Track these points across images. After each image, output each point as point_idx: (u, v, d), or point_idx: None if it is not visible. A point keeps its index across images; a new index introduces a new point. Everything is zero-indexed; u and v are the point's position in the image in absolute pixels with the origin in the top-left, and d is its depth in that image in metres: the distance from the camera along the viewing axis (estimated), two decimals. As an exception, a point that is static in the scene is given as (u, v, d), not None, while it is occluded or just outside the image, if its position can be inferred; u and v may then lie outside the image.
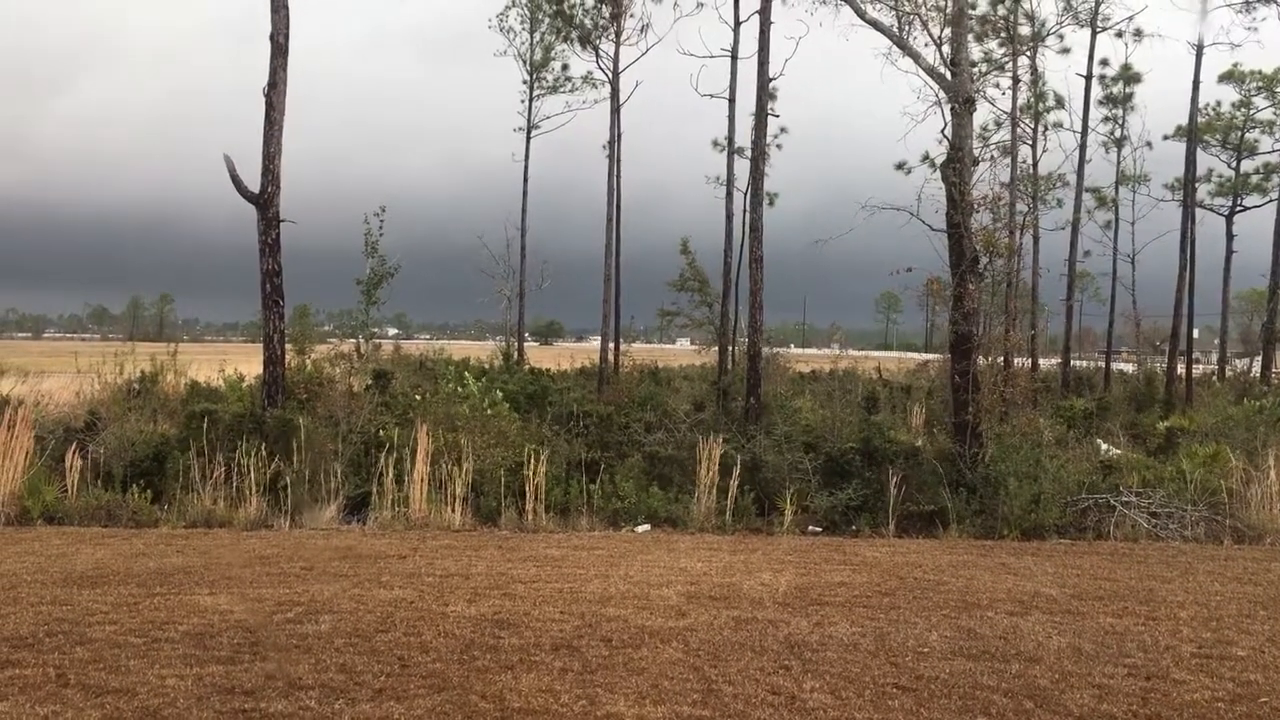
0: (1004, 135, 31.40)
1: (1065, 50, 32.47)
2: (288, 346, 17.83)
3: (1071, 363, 36.14)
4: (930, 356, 44.55)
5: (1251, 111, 37.31)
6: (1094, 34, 32.81)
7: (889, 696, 6.44)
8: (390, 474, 13.64)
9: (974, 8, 27.24)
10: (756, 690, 6.49)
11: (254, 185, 16.57)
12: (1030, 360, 31.72)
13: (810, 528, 13.62)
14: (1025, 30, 31.33)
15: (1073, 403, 25.72)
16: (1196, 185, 33.88)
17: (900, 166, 27.51)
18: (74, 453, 14.00)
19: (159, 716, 5.84)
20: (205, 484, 13.69)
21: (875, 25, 16.91)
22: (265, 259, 16.57)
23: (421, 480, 13.60)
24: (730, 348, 29.62)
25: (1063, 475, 14.32)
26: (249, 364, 23.10)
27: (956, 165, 15.59)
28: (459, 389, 16.79)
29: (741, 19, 28.28)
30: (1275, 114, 36.91)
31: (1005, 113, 30.94)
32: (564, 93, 35.61)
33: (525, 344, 38.24)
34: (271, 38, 16.58)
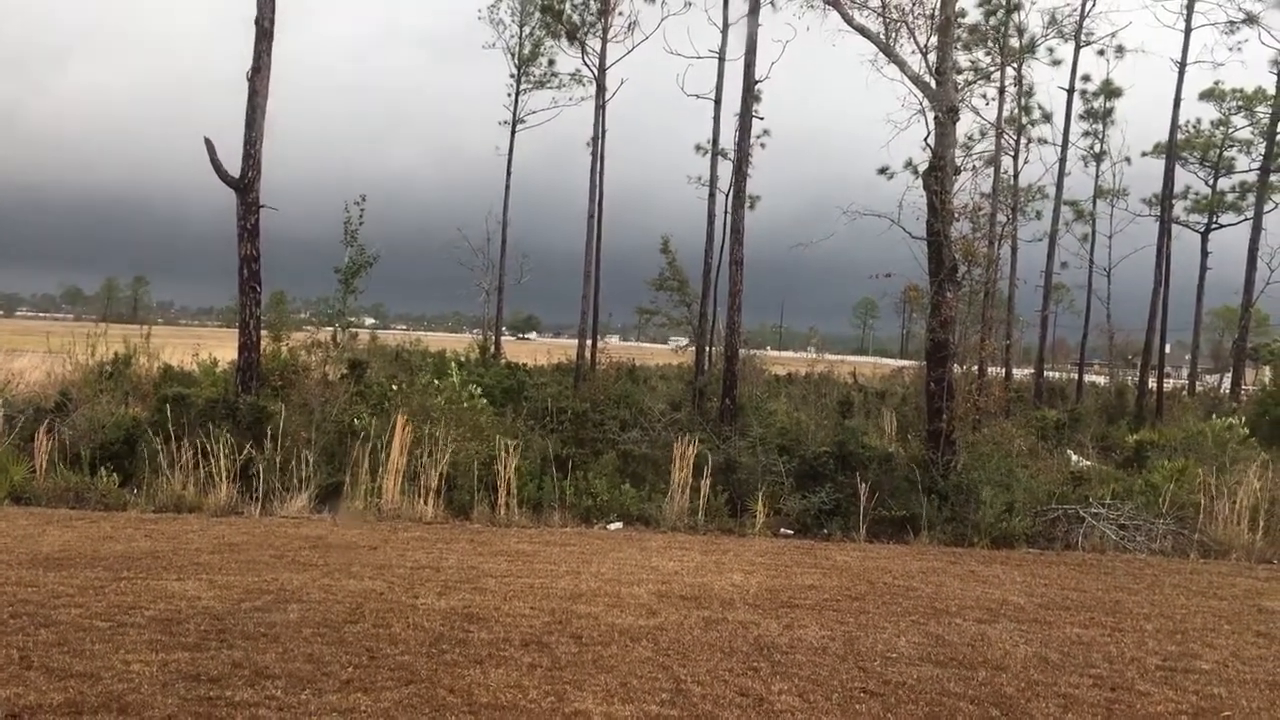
0: (987, 145, 31.62)
1: (1056, 62, 32.77)
2: (263, 333, 17.72)
3: (1045, 373, 36.42)
4: (905, 363, 44.80)
5: (1230, 130, 37.72)
6: (1077, 48, 33.07)
7: (856, 701, 6.46)
8: (365, 464, 13.58)
9: (963, 16, 27.40)
10: (725, 691, 6.50)
11: (235, 170, 16.45)
12: (1004, 370, 31.96)
13: (782, 530, 13.65)
14: (1013, 42, 31.59)
15: (1045, 413, 25.90)
16: (1174, 202, 34.20)
17: (883, 171, 27.65)
18: (43, 433, 13.85)
19: (123, 702, 5.78)
20: (175, 469, 13.57)
21: (862, 31, 16.94)
22: (243, 244, 16.47)
23: (396, 471, 13.54)
24: (708, 348, 29.68)
25: (1033, 485, 14.41)
26: (224, 349, 22.95)
27: (938, 174, 15.65)
28: (437, 381, 16.72)
29: (730, 21, 28.31)
30: (1253, 133, 37.29)
31: (989, 123, 31.13)
32: (551, 88, 35.64)
33: (502, 337, 38.15)
34: (256, 22, 16.46)
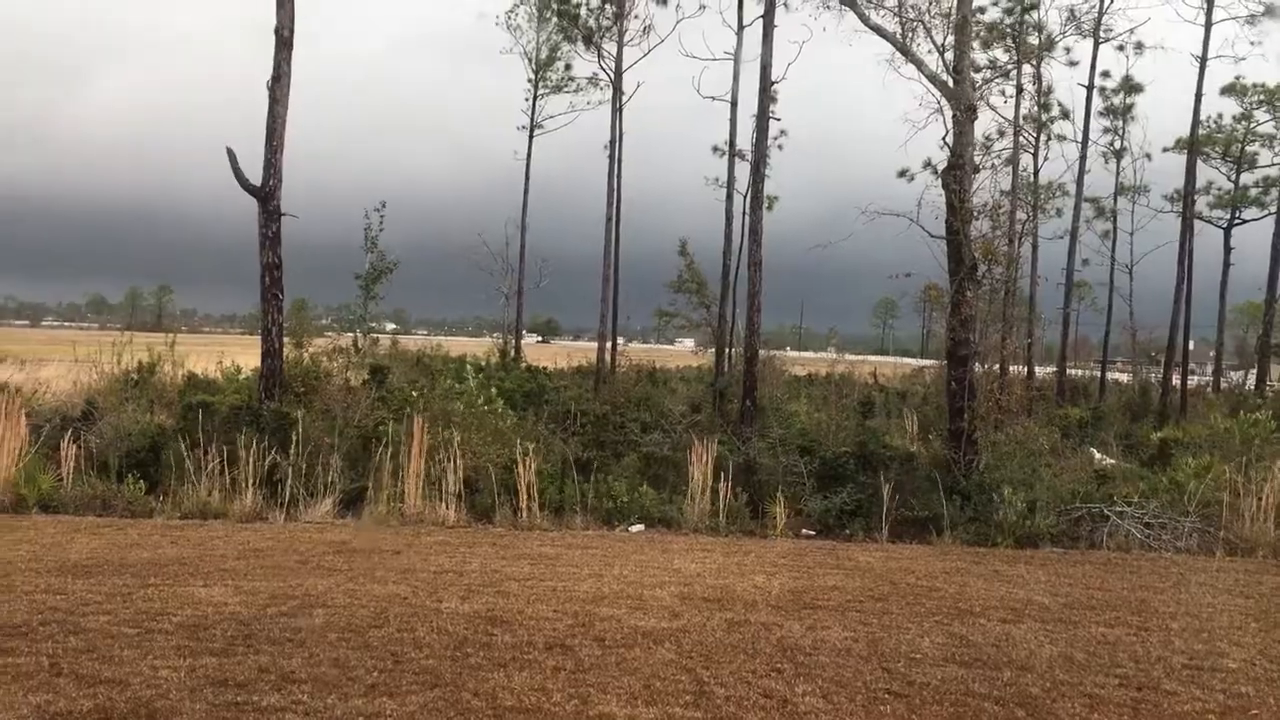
0: (1006, 144, 31.45)
1: (1073, 63, 32.62)
2: (286, 340, 17.82)
3: (1067, 372, 36.17)
4: (926, 362, 44.65)
5: (1252, 125, 37.25)
6: (1096, 45, 32.88)
7: (881, 702, 6.44)
8: (386, 469, 13.64)
9: (982, 12, 27.28)
10: (749, 693, 6.49)
11: (256, 178, 16.56)
12: (1026, 368, 31.79)
13: (804, 531, 13.62)
14: (1031, 39, 31.42)
15: (1068, 411, 25.72)
16: (1195, 197, 33.91)
17: (903, 174, 27.53)
18: (70, 441, 13.97)
19: (152, 708, 5.83)
20: (201, 475, 13.67)
21: (878, 31, 16.90)
22: (265, 252, 16.57)
23: (416, 476, 13.60)
24: (727, 350, 29.64)
25: (1057, 484, 14.32)
26: (247, 356, 23.07)
27: (957, 172, 15.59)
28: (456, 385, 16.78)
29: (745, 23, 28.30)
30: (1276, 128, 36.83)
31: (1008, 121, 30.97)
32: (568, 92, 35.70)
33: (522, 341, 38.24)
34: (276, 31, 16.57)
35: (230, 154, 16.55)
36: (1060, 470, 15.47)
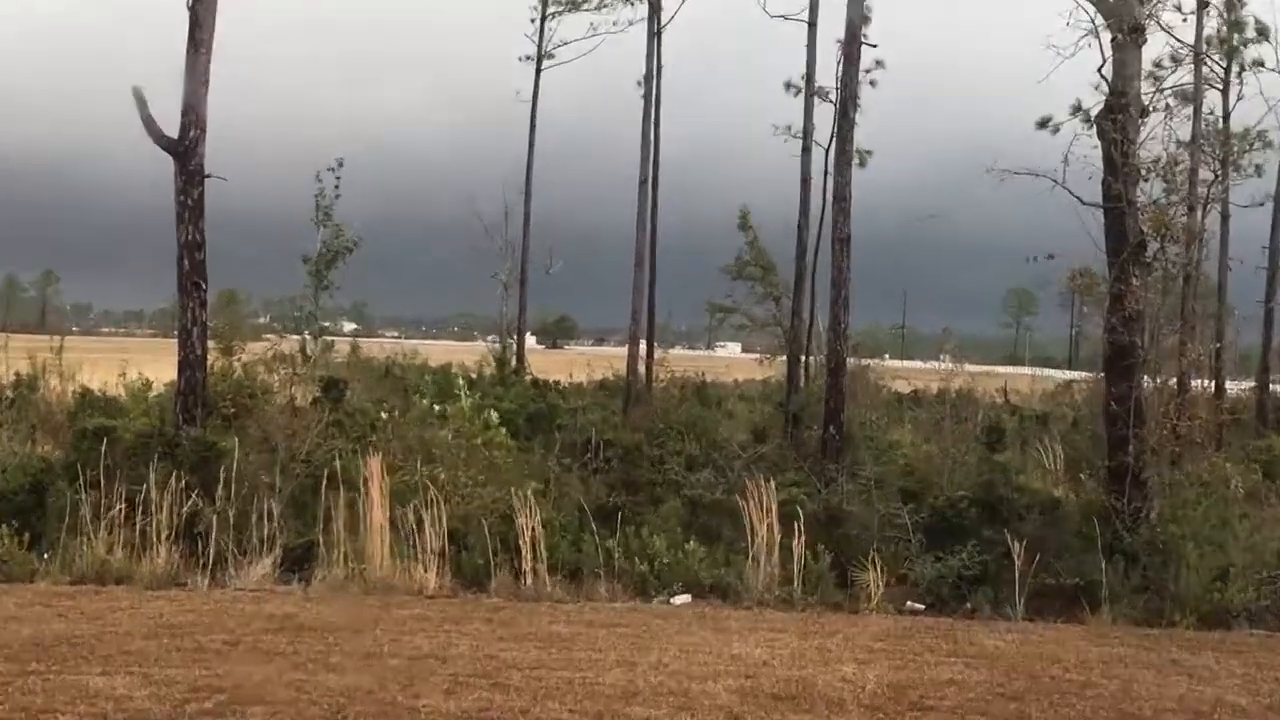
0: (1185, 77, 31.15)
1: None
2: (211, 344, 17.99)
3: (1271, 387, 35.75)
4: (1076, 375, 44.25)
5: None
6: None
7: (1015, 839, 6.41)
8: (343, 519, 13.69)
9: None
10: (834, 825, 6.47)
11: (173, 130, 16.64)
12: (1214, 383, 31.46)
13: (909, 604, 13.58)
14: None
15: (1272, 442, 25.46)
16: None
17: (1044, 124, 27.23)
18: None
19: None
20: (99, 526, 13.77)
21: (1010, -75, 16.85)
22: (184, 227, 16.62)
23: (384, 527, 13.64)
24: (804, 357, 29.58)
25: (1256, 542, 14.17)
26: (159, 366, 23.32)
27: (1118, 116, 15.46)
28: (443, 406, 16.82)
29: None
30: None
31: (1186, 45, 30.69)
32: (588, 10, 35.61)
33: (526, 346, 38.35)
34: (199, -69, 16.71)
35: (138, 96, 16.65)
36: (1261, 523, 15.30)
